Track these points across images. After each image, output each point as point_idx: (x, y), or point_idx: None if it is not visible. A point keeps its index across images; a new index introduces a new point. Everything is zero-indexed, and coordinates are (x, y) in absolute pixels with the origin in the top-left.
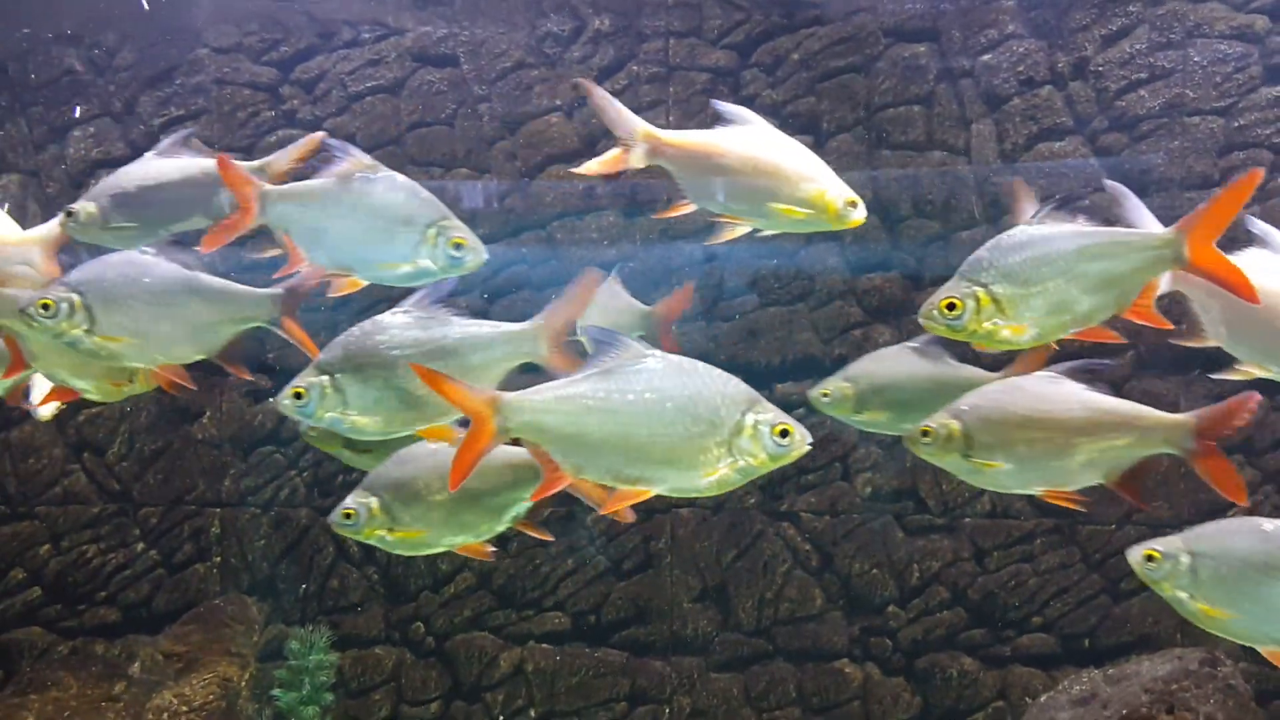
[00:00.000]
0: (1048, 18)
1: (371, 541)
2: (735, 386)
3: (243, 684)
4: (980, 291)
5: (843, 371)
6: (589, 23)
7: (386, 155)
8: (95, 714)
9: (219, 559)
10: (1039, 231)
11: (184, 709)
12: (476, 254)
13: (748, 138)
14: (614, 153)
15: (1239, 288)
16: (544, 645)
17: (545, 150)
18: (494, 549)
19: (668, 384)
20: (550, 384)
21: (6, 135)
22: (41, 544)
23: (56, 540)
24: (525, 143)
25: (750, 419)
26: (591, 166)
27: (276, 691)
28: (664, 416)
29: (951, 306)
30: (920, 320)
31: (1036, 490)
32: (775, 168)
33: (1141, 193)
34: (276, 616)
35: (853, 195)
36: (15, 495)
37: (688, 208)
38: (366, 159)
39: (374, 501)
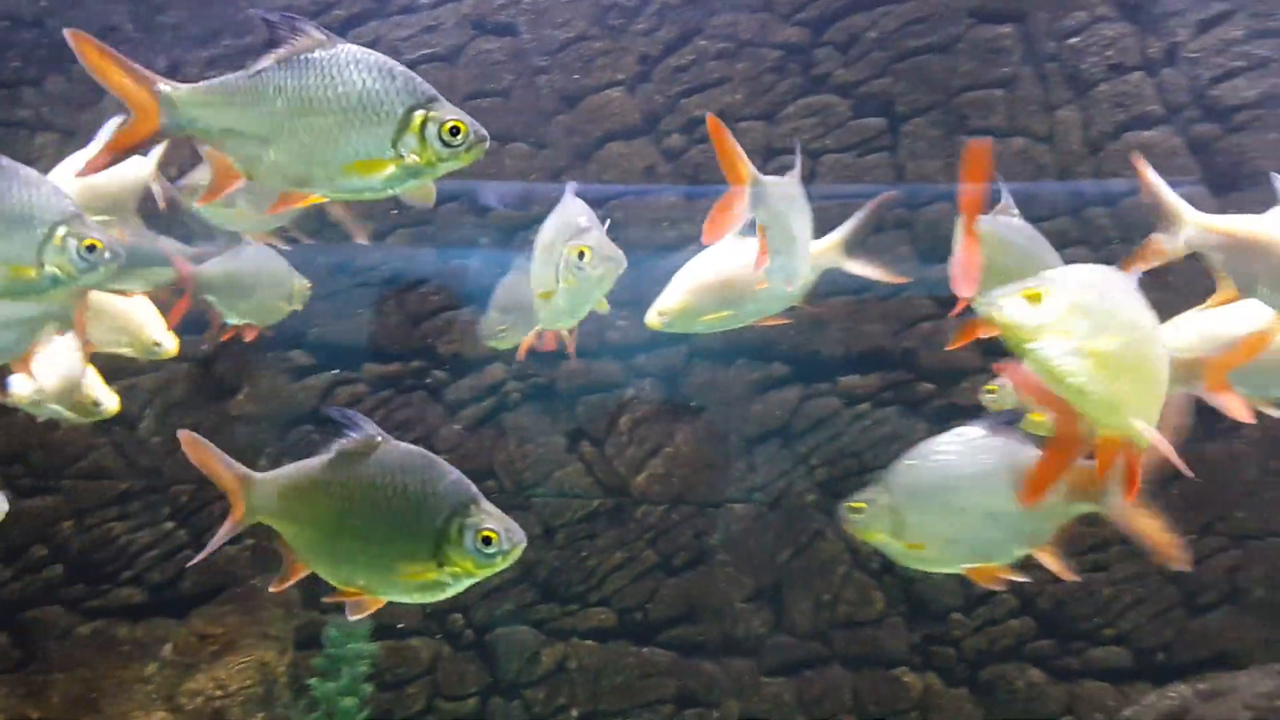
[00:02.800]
0: (1140, 0)
1: None
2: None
3: (281, 670)
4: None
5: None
6: None
7: None
8: (124, 695)
9: (251, 541)
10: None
11: (219, 693)
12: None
13: None
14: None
15: None
16: (588, 642)
17: (605, 126)
18: None
19: None
20: None
21: (45, 93)
22: (65, 519)
23: (80, 516)
24: (585, 117)
25: None
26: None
27: (312, 681)
28: None
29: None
30: None
31: None
32: None
33: (1234, 187)
34: (308, 603)
35: None
36: (40, 468)
37: (1232, 294)
38: None
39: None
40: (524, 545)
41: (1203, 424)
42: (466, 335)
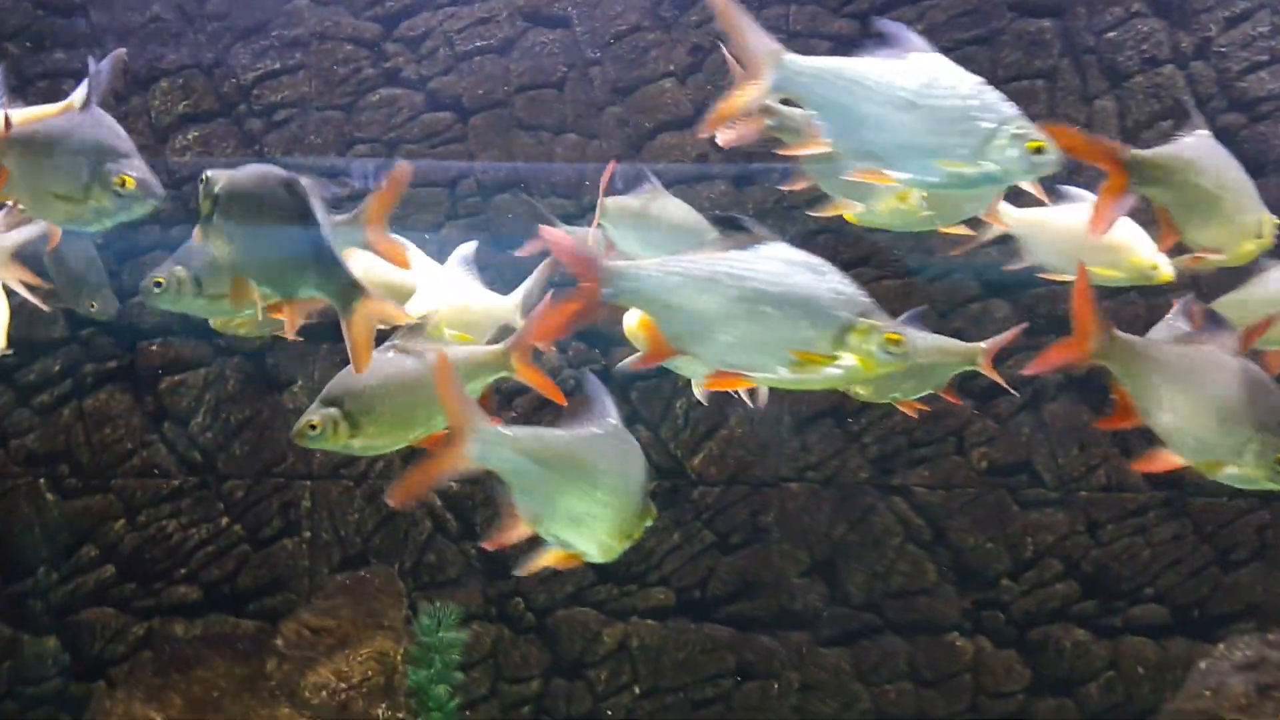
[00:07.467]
0: None
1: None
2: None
3: (399, 658)
4: None
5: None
6: None
7: (493, 117)
8: (248, 693)
9: (308, 534)
10: None
11: (344, 686)
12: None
13: None
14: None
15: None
16: (648, 621)
17: (658, 117)
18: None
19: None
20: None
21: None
22: (115, 519)
23: (132, 515)
24: (637, 109)
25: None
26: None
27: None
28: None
29: None
30: None
31: None
32: None
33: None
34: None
35: None
36: (89, 467)
37: None
38: None
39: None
40: None
41: None
42: None
